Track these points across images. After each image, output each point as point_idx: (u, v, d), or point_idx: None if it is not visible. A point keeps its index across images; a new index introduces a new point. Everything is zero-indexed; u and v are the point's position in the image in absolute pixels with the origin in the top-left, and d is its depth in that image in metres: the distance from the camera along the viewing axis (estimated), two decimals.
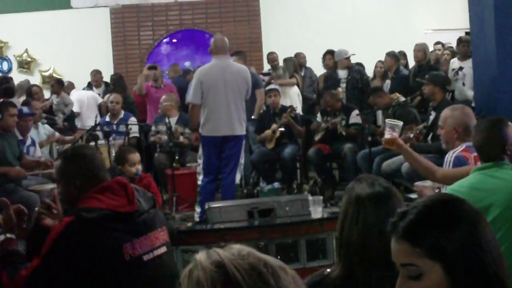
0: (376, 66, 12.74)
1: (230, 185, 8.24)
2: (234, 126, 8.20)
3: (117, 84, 12.40)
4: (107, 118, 10.64)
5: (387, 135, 5.17)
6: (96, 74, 13.64)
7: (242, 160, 8.74)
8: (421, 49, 11.21)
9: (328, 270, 2.79)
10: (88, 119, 11.68)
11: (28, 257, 3.43)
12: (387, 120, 5.42)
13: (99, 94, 13.09)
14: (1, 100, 9.02)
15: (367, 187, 2.85)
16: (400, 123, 5.28)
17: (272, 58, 13.19)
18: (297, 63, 12.37)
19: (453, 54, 11.81)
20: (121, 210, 3.43)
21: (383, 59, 12.10)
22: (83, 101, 12.43)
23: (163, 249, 3.56)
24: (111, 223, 3.37)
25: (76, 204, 3.51)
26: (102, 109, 12.51)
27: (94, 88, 13.49)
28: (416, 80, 10.30)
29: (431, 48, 12.73)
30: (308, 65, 12.99)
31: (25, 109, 8.90)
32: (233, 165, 8.30)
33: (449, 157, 5.06)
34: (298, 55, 13.01)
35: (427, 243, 1.87)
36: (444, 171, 4.92)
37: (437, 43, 13.56)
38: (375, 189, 2.83)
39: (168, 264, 3.63)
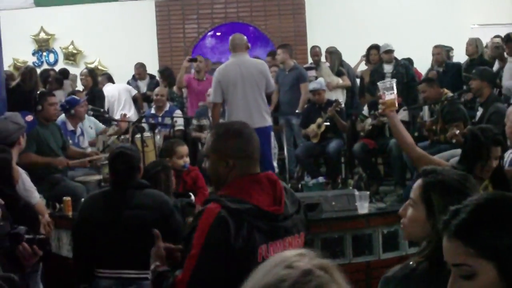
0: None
1: None
2: (254, 120, 8.29)
3: (166, 77, 12.45)
4: (152, 111, 10.68)
5: (387, 96, 4.75)
6: (140, 67, 13.69)
7: (275, 150, 8.79)
8: (472, 43, 11.09)
9: (411, 262, 2.73)
10: (120, 112, 11.75)
11: None
12: (378, 83, 5.07)
13: (137, 88, 13.17)
14: (40, 91, 9.12)
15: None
16: (393, 80, 4.97)
17: (315, 52, 13.12)
18: (341, 55, 12.33)
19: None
20: (267, 209, 3.18)
21: (428, 54, 11.93)
22: (114, 95, 12.46)
23: None
24: (253, 221, 3.13)
25: (222, 185, 3.30)
26: (139, 101, 12.61)
27: (138, 81, 13.54)
28: (465, 75, 10.19)
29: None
30: (353, 59, 12.92)
31: (73, 99, 9.06)
32: (263, 157, 8.43)
33: (509, 154, 4.90)
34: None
35: (480, 243, 1.81)
36: (421, 153, 4.75)
37: (496, 36, 13.03)
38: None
39: None
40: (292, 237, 3.27)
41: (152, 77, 13.53)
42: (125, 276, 5.04)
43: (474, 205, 1.89)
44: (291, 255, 1.50)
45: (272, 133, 8.80)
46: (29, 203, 5.70)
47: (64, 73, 13.30)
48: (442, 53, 11.49)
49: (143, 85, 13.36)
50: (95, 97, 11.74)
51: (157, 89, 10.98)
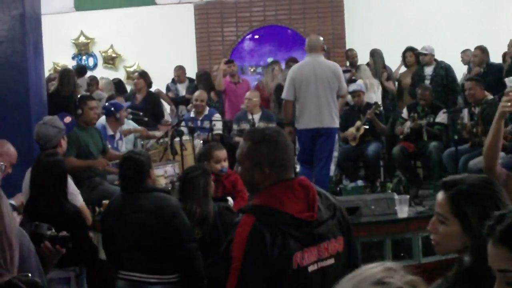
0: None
1: (324, 177, 8.42)
2: (324, 119, 8.67)
3: (203, 81, 12.45)
4: (192, 114, 10.69)
5: None
6: (179, 69, 13.70)
7: (335, 153, 8.90)
8: None
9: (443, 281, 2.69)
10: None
11: None
12: (506, 80, 4.76)
13: (176, 91, 13.20)
14: (80, 95, 9.18)
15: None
16: None
17: (351, 55, 13.17)
18: (383, 57, 12.30)
19: None
20: (300, 217, 3.18)
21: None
22: None
23: (331, 261, 3.26)
24: (288, 229, 3.14)
25: (256, 190, 3.32)
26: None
27: (177, 84, 13.57)
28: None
29: None
30: (392, 61, 12.85)
31: (119, 103, 9.15)
32: (325, 157, 8.75)
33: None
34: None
35: None
36: (497, 165, 4.22)
37: None
38: None
39: (333, 277, 3.12)
40: (328, 242, 3.26)
41: (191, 80, 13.54)
42: (136, 279, 5.15)
43: None
44: (379, 270, 1.47)
45: (337, 136, 8.90)
46: (77, 207, 5.78)
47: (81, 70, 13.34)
48: (481, 54, 11.39)
49: (182, 88, 13.37)
50: (152, 100, 11.63)
51: (197, 93, 10.90)
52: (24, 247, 2.94)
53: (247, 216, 3.18)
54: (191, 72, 13.97)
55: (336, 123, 8.95)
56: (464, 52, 13.30)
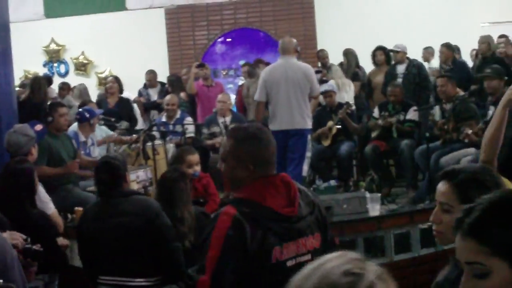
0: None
1: (297, 178, 8.43)
2: (295, 121, 8.69)
3: (174, 84, 12.46)
4: (163, 119, 10.68)
5: None
6: (150, 74, 13.60)
7: (308, 154, 8.91)
8: (484, 41, 11.03)
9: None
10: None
11: None
12: None
13: (148, 96, 13.15)
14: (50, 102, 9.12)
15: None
16: None
17: (322, 55, 13.24)
18: (357, 56, 12.36)
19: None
20: (281, 212, 3.22)
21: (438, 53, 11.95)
22: None
23: (307, 257, 3.27)
24: (268, 223, 3.18)
25: (238, 187, 3.33)
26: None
27: (149, 88, 13.50)
28: (477, 74, 10.11)
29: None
30: (364, 61, 12.91)
31: (93, 110, 9.12)
32: (298, 158, 8.76)
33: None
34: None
35: (495, 241, 1.80)
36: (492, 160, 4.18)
37: (501, 36, 12.90)
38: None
39: None
40: (306, 238, 3.30)
41: (163, 84, 13.51)
42: (121, 284, 5.11)
43: (488, 203, 1.87)
44: (344, 261, 1.47)
45: (309, 137, 8.91)
46: (45, 213, 5.75)
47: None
48: (446, 52, 11.49)
49: (153, 93, 13.30)
50: (125, 105, 11.56)
51: (168, 98, 10.91)
52: (7, 255, 2.93)
53: (229, 207, 3.20)
54: (163, 76, 13.93)
55: (308, 124, 8.96)
56: (426, 49, 13.41)
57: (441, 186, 2.72)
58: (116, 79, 11.92)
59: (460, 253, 1.88)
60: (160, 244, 5.09)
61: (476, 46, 11.76)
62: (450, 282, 2.63)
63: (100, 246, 5.18)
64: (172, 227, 5.23)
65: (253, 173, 3.27)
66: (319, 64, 13.35)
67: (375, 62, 12.26)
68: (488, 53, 10.89)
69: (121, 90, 11.82)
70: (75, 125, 9.10)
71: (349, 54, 12.38)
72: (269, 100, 9.00)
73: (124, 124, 10.74)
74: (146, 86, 13.57)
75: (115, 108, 11.16)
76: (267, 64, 10.97)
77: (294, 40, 9.36)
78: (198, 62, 13.35)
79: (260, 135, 3.36)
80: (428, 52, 13.36)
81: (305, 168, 9.02)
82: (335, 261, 1.45)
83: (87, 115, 9.04)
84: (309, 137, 8.97)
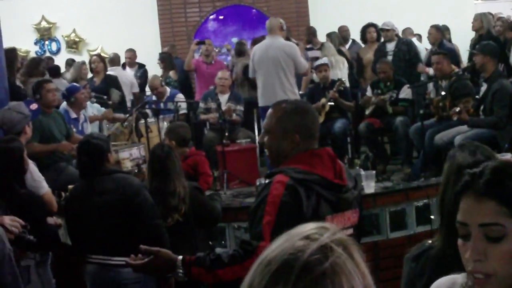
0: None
1: None
2: (278, 96, 8.52)
3: (166, 61, 12.39)
4: (154, 97, 10.64)
5: None
6: (130, 52, 13.52)
7: None
8: (477, 18, 11.04)
9: (430, 241, 2.68)
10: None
11: None
12: None
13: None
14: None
15: (469, 155, 2.76)
16: None
17: (308, 32, 13.20)
18: (340, 37, 12.31)
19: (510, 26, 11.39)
20: (332, 180, 3.27)
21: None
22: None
23: (350, 231, 3.31)
24: (321, 190, 3.21)
25: (282, 160, 3.35)
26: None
27: (127, 67, 13.33)
28: (470, 51, 10.09)
29: None
30: (355, 38, 12.85)
31: (74, 86, 9.03)
32: None
33: None
34: (341, 29, 13.01)
35: None
36: None
37: (499, 18, 12.85)
38: (477, 158, 2.73)
39: None
40: (351, 212, 3.36)
41: (140, 66, 13.37)
42: (105, 262, 5.10)
43: (494, 167, 1.81)
44: (312, 228, 1.43)
45: None
46: (33, 193, 5.67)
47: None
48: (435, 33, 11.46)
49: (130, 74, 13.01)
50: (111, 82, 11.39)
51: (149, 82, 11.12)
52: None
53: (280, 175, 3.22)
54: (155, 53, 13.82)
55: None
56: (404, 31, 13.21)
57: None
58: (100, 57, 11.87)
59: (472, 215, 1.78)
60: (140, 222, 5.05)
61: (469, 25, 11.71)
62: (411, 258, 2.70)
63: (84, 225, 5.19)
64: (155, 204, 5.20)
65: (298, 145, 3.31)
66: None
67: (364, 39, 12.19)
68: (481, 31, 10.85)
69: (105, 69, 11.77)
70: (64, 103, 9.01)
71: (331, 36, 12.34)
72: (256, 77, 9.50)
73: (114, 92, 10.66)
74: (124, 66, 13.32)
75: (102, 85, 11.07)
76: None
77: (281, 20, 9.67)
78: (191, 39, 13.28)
79: (308, 108, 3.46)
80: (408, 33, 13.17)
81: None
82: (307, 227, 1.42)
83: (66, 94, 8.90)
84: None
